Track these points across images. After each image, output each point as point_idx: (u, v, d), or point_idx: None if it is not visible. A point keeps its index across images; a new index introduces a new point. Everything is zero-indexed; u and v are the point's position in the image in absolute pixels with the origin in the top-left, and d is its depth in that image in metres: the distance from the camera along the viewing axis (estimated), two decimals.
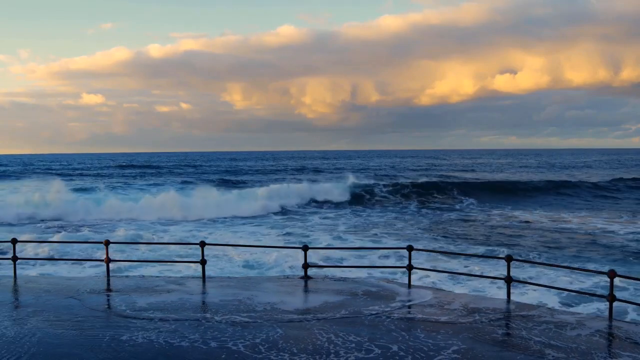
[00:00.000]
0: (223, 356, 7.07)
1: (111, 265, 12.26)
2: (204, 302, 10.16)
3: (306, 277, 11.69)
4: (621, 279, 10.70)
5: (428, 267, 14.40)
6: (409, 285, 11.15)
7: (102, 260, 12.44)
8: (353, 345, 7.46)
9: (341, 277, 12.78)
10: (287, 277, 12.58)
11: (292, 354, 7.11)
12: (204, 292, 10.89)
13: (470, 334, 7.93)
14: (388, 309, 9.36)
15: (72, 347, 7.42)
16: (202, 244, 11.73)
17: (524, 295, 14.20)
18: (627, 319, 11.30)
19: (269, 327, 8.27)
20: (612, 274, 8.65)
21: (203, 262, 11.81)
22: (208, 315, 9.01)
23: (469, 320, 8.68)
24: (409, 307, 9.66)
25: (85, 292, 10.70)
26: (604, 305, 12.75)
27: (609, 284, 8.74)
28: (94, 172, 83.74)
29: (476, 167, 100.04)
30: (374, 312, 9.13)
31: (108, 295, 10.58)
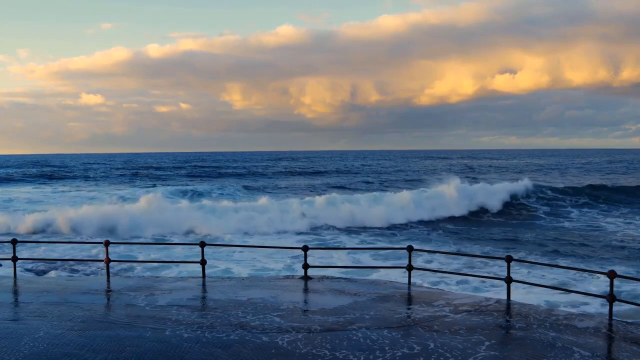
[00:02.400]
0: (273, 351, 7.21)
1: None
2: (233, 301, 10.11)
3: (306, 277, 11.70)
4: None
5: (428, 268, 14.40)
6: (409, 286, 11.16)
7: (101, 261, 12.44)
8: (387, 341, 7.58)
9: (341, 277, 12.78)
10: (287, 277, 12.58)
11: (337, 350, 7.24)
12: (224, 292, 10.85)
13: (484, 332, 7.94)
14: (399, 308, 9.40)
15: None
16: (202, 244, 11.74)
17: (525, 296, 14.23)
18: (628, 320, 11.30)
19: (306, 325, 8.36)
20: (612, 274, 8.65)
21: (203, 262, 11.81)
22: (240, 313, 9.08)
23: (477, 319, 8.69)
24: (415, 306, 9.67)
25: (103, 291, 10.71)
26: (602, 305, 12.76)
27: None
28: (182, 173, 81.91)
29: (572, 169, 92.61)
30: (389, 311, 9.20)
31: (130, 294, 10.57)
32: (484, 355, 7.03)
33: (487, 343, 7.51)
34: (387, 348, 7.30)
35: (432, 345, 7.43)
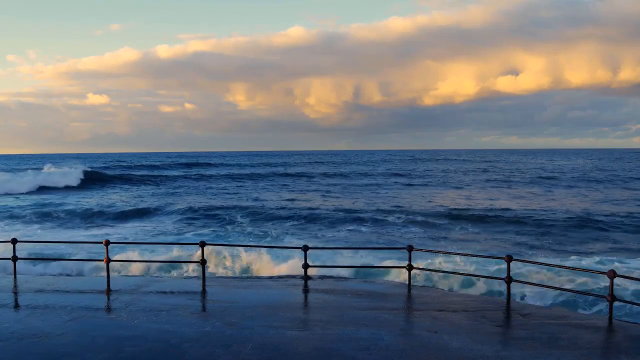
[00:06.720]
0: (272, 349, 7.18)
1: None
2: (232, 300, 10.14)
3: (306, 277, 11.69)
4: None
5: (428, 267, 14.38)
6: (409, 285, 11.15)
7: (101, 260, 12.43)
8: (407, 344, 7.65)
9: (340, 277, 12.77)
10: (288, 277, 12.57)
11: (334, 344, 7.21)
12: (224, 291, 10.86)
13: (489, 331, 7.94)
14: (404, 306, 9.39)
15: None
16: (202, 244, 11.73)
17: (525, 295, 14.21)
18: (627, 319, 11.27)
19: (300, 324, 8.40)
20: (611, 274, 8.63)
21: (203, 262, 11.80)
22: (238, 312, 9.09)
23: (480, 317, 8.69)
24: (420, 306, 9.66)
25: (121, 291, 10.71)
26: (604, 305, 12.74)
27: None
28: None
29: None
30: (396, 308, 9.22)
31: (130, 294, 10.57)
32: (494, 354, 7.05)
33: (494, 341, 7.54)
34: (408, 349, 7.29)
35: (455, 344, 7.45)
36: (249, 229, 29.62)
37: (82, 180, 59.77)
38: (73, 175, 60.59)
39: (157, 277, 12.91)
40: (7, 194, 49.07)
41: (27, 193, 50.91)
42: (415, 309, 9.52)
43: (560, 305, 13.26)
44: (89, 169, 66.86)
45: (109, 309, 9.63)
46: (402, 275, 14.77)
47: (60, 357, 7.01)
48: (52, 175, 59.91)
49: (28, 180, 55.80)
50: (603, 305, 13.01)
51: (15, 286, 11.50)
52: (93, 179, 61.68)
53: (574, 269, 10.62)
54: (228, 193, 50.71)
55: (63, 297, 10.30)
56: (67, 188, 55.44)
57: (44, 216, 34.94)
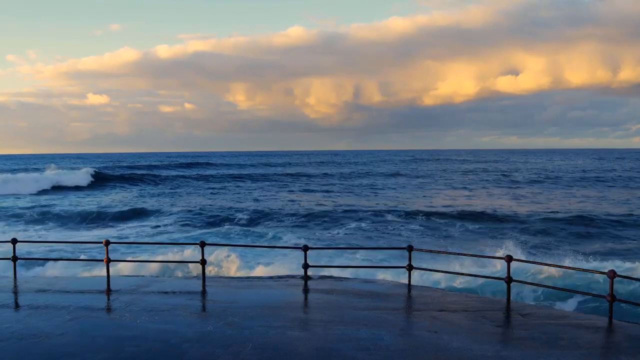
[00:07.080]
0: (273, 348, 7.18)
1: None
2: (232, 299, 10.11)
3: (306, 277, 11.69)
4: None
5: (428, 267, 14.36)
6: (409, 285, 11.15)
7: (101, 261, 12.43)
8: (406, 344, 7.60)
9: (340, 277, 12.77)
10: (288, 277, 12.57)
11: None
12: (224, 291, 10.87)
13: (489, 331, 7.94)
14: (403, 306, 9.39)
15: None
16: (202, 244, 11.73)
17: (525, 295, 14.22)
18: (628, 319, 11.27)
19: (298, 324, 8.37)
20: (611, 274, 8.63)
21: (203, 262, 11.81)
22: (239, 312, 9.07)
23: (480, 318, 8.69)
24: (420, 306, 9.66)
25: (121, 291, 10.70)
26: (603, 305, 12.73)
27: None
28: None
29: None
30: (396, 308, 9.22)
31: (129, 294, 10.57)
32: (494, 354, 7.05)
33: (494, 341, 7.52)
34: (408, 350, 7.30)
35: (455, 344, 7.45)
36: (249, 229, 29.65)
37: (85, 180, 59.95)
38: (75, 176, 60.81)
39: (157, 277, 12.91)
40: (9, 195, 49.16)
41: (29, 194, 51.00)
42: (415, 309, 9.52)
43: (560, 305, 13.27)
44: (91, 170, 67.04)
45: (109, 309, 9.63)
46: (402, 276, 14.76)
47: (60, 357, 7.00)
48: (54, 176, 60.07)
49: (30, 180, 56.09)
50: (603, 305, 13.00)
51: (15, 286, 11.50)
52: (94, 179, 61.77)
53: (574, 269, 10.60)
54: (228, 193, 50.78)
55: (63, 297, 10.30)
56: (68, 188, 55.61)
57: (45, 216, 34.99)
